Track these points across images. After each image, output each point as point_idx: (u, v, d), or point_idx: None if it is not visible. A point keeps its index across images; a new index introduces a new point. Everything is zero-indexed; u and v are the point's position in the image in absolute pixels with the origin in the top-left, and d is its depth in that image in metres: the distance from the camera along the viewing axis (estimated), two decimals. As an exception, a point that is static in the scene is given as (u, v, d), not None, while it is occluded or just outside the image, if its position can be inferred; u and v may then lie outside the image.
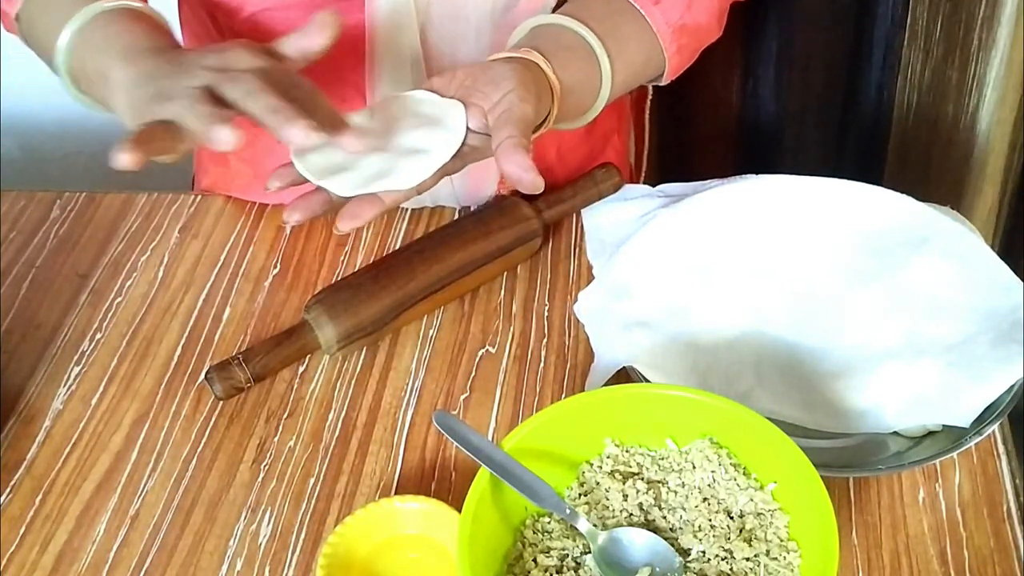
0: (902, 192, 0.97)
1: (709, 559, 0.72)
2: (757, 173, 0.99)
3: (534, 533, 0.75)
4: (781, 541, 0.73)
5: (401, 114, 0.80)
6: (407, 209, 1.08)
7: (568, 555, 0.74)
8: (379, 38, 0.93)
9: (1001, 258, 0.91)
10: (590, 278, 0.98)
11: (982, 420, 0.81)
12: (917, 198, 0.97)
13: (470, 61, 0.95)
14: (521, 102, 0.77)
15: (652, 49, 0.92)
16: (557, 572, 0.73)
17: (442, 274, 0.95)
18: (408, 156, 0.78)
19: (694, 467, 0.77)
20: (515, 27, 0.92)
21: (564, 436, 0.77)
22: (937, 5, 1.30)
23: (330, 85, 0.96)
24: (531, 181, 0.73)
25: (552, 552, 0.74)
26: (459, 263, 0.96)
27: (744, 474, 0.76)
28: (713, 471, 0.76)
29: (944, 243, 0.93)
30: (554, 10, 0.92)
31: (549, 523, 0.75)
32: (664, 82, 0.97)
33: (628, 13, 0.91)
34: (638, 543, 0.73)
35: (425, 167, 0.76)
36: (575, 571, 0.73)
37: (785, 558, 0.72)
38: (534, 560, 0.73)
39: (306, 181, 0.77)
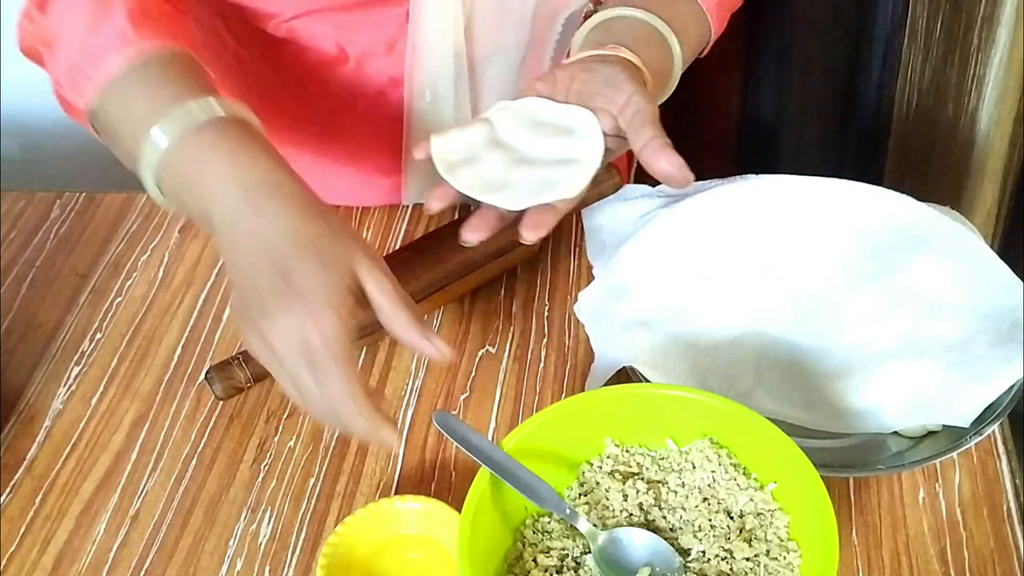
0: (902, 192, 0.97)
1: (709, 559, 0.72)
2: (757, 173, 0.99)
3: (534, 533, 0.75)
4: (781, 541, 0.73)
5: (525, 124, 0.80)
6: (407, 209, 1.08)
7: (568, 555, 0.74)
8: (422, 31, 0.92)
9: (1001, 258, 0.91)
10: (590, 278, 0.98)
11: (982, 420, 0.81)
12: (917, 198, 0.97)
13: (510, 51, 0.96)
14: (648, 103, 0.78)
15: (702, 27, 0.93)
16: (557, 572, 0.73)
17: (443, 275, 0.95)
18: (560, 166, 0.78)
19: (694, 467, 0.77)
20: (551, 16, 0.93)
21: (564, 436, 0.77)
22: (937, 5, 1.30)
23: (368, 77, 0.97)
24: (685, 177, 0.75)
25: (552, 552, 0.74)
26: (460, 264, 0.96)
27: (744, 474, 0.76)
28: (713, 471, 0.76)
29: (944, 243, 0.93)
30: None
31: (549, 523, 0.75)
32: (703, 55, 0.98)
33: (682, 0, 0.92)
34: (638, 543, 0.73)
35: (585, 174, 0.77)
36: (575, 571, 0.73)
37: (785, 558, 0.72)
38: (534, 560, 0.73)
39: (464, 198, 0.78)
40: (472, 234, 0.77)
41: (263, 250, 0.68)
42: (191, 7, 0.98)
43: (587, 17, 0.96)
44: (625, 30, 0.86)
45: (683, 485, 0.76)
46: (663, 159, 0.75)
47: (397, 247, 1.04)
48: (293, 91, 1.00)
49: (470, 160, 0.78)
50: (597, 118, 0.79)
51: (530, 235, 0.76)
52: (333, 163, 1.07)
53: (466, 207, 1.06)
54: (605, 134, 0.79)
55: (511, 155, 0.79)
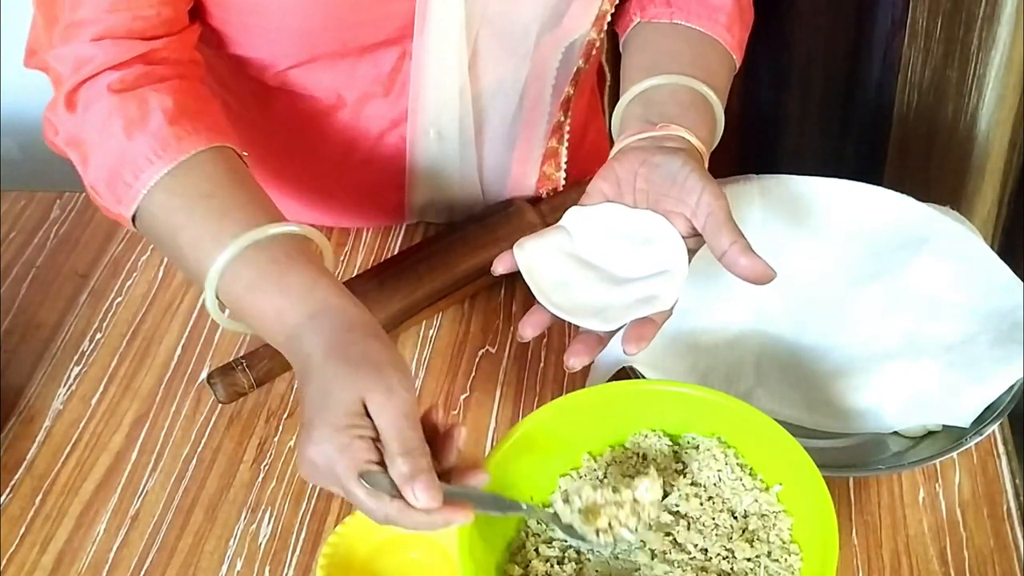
0: (902, 192, 0.97)
1: (711, 557, 0.72)
2: (757, 173, 0.99)
3: (538, 523, 0.75)
4: (783, 543, 0.73)
5: (604, 236, 0.81)
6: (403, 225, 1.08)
7: (570, 546, 0.74)
8: (426, 70, 0.91)
9: (1001, 258, 0.91)
10: (590, 278, 0.98)
11: (982, 420, 0.81)
12: (917, 198, 0.97)
13: (512, 83, 0.95)
14: (717, 200, 0.77)
15: (730, 68, 0.93)
16: (558, 563, 0.73)
17: (449, 282, 0.95)
18: (651, 279, 0.78)
19: (700, 465, 0.77)
20: (553, 46, 0.92)
21: (570, 430, 0.78)
22: (937, 5, 1.30)
23: (367, 120, 0.95)
24: (768, 276, 0.76)
25: (555, 543, 0.74)
26: (466, 271, 0.95)
27: (750, 475, 0.76)
28: (719, 470, 0.77)
29: (944, 243, 0.93)
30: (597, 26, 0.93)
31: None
32: None
33: (707, 43, 0.91)
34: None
35: (676, 285, 0.78)
36: (576, 562, 0.73)
37: (786, 560, 0.72)
38: (536, 550, 0.74)
39: (554, 320, 0.78)
40: (576, 360, 0.76)
41: (304, 375, 0.70)
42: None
43: (590, 46, 0.96)
44: (669, 100, 0.85)
45: (689, 483, 0.76)
46: (746, 263, 0.76)
47: (397, 247, 1.04)
48: (288, 138, 0.98)
49: (563, 284, 0.78)
50: (672, 223, 0.79)
51: (632, 348, 0.75)
52: (331, 201, 1.05)
53: (470, 220, 1.05)
54: (683, 236, 0.79)
55: (601, 275, 0.80)
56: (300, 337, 0.71)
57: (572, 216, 0.82)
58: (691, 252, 0.80)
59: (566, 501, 0.73)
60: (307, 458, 0.67)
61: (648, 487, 0.73)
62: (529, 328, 0.78)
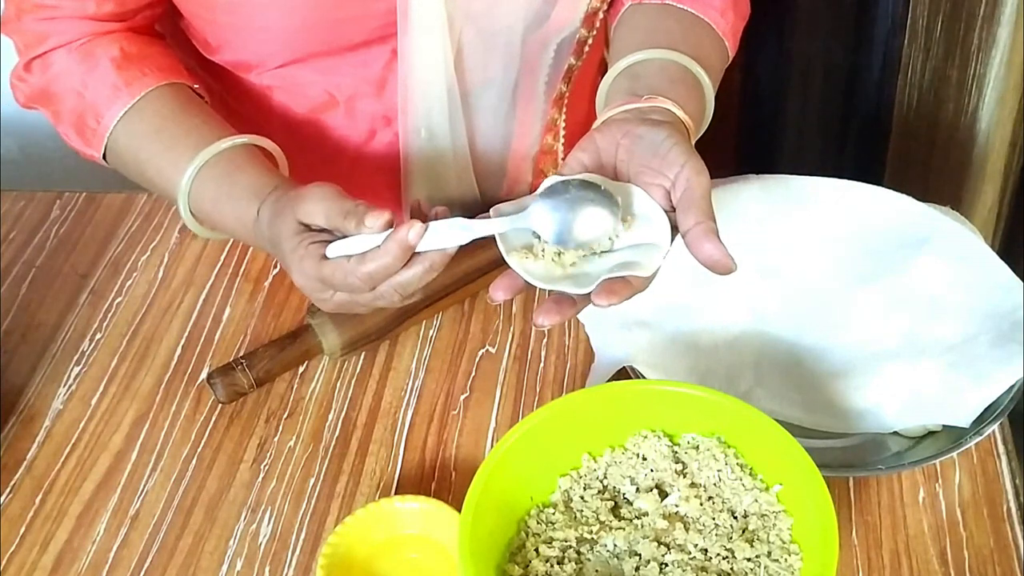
0: (902, 192, 0.97)
1: (711, 557, 0.72)
2: (757, 173, 0.99)
3: (538, 524, 0.75)
4: (783, 543, 0.73)
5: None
6: (407, 209, 1.08)
7: (570, 546, 0.74)
8: (412, 68, 0.91)
9: (1001, 258, 0.91)
10: (590, 278, 0.98)
11: (982, 420, 0.81)
12: (917, 198, 0.97)
13: (501, 81, 0.95)
14: (698, 176, 0.72)
15: (722, 54, 0.92)
16: (558, 563, 0.73)
17: (448, 282, 0.94)
18: (631, 250, 0.74)
19: (700, 465, 0.77)
20: (542, 44, 0.93)
21: (570, 431, 0.78)
22: (937, 5, 1.30)
23: (360, 119, 0.96)
24: (726, 266, 0.72)
25: (555, 543, 0.74)
26: (465, 271, 0.95)
27: (750, 475, 0.76)
28: (719, 470, 0.77)
29: (944, 243, 0.93)
30: (585, 24, 0.93)
31: (553, 514, 0.76)
32: None
33: (699, 25, 0.90)
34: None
35: (659, 255, 0.73)
36: (576, 562, 0.73)
37: (786, 560, 0.72)
38: (536, 550, 0.74)
39: (527, 286, 0.74)
40: (545, 319, 0.73)
41: (268, 248, 0.82)
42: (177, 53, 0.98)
43: (581, 44, 0.96)
44: (657, 74, 0.83)
45: (689, 483, 0.76)
46: (707, 247, 0.71)
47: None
48: (283, 136, 0.97)
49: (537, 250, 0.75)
50: (651, 196, 0.75)
51: (602, 301, 0.70)
52: None
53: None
54: (665, 211, 0.75)
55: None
56: (256, 228, 0.81)
57: (550, 181, 0.77)
58: (675, 230, 0.75)
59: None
60: (302, 285, 0.77)
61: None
62: (500, 291, 0.74)
